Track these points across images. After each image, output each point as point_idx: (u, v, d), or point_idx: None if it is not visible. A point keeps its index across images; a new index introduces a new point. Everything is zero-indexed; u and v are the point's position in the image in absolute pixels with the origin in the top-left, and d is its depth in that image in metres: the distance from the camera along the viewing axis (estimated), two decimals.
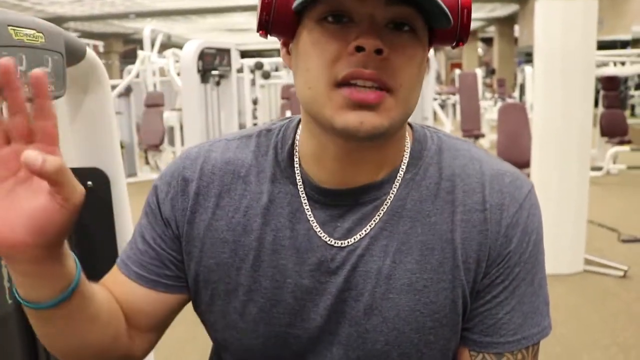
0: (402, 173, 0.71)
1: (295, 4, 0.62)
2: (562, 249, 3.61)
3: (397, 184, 0.70)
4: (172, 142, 7.69)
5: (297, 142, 0.73)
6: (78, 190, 0.55)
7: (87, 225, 1.09)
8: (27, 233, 0.54)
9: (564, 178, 3.58)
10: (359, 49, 0.60)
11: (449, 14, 0.60)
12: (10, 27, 0.75)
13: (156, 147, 7.33)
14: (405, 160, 0.71)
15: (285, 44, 0.69)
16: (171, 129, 7.53)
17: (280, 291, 0.70)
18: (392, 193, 0.70)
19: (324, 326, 0.70)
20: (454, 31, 0.64)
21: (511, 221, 0.69)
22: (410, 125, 0.75)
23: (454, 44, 0.67)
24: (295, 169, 0.72)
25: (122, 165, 1.14)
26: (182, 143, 6.91)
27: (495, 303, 0.69)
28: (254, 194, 0.72)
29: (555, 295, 3.45)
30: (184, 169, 0.74)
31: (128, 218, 1.14)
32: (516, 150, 4.39)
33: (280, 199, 0.71)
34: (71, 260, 0.62)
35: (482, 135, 8.53)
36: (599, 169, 6.82)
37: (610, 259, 3.76)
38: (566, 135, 3.53)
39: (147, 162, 7.84)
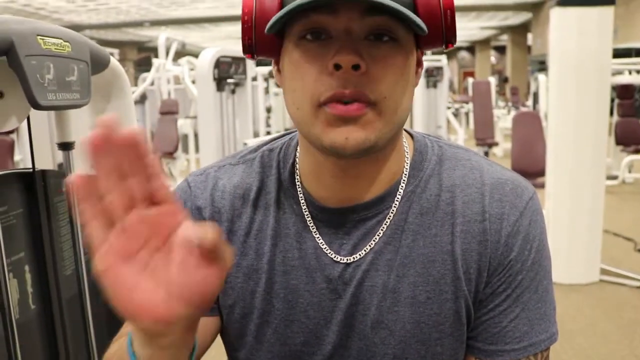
0: (403, 186, 0.70)
1: (267, 28, 0.61)
2: (577, 259, 3.58)
3: (399, 197, 0.70)
4: (186, 150, 7.73)
5: (297, 161, 0.73)
6: (228, 255, 0.48)
7: None
8: (182, 306, 0.46)
9: (579, 187, 3.55)
10: (337, 66, 0.59)
11: (420, 23, 0.59)
12: (39, 37, 0.77)
13: (170, 154, 7.37)
14: (406, 172, 0.71)
15: (277, 62, 0.69)
16: (185, 136, 7.57)
17: (294, 311, 0.71)
18: (394, 207, 0.70)
19: (335, 342, 0.71)
20: (439, 34, 0.63)
21: (512, 230, 0.68)
22: (411, 135, 0.75)
23: (443, 46, 0.65)
24: (297, 187, 0.72)
25: None
26: (197, 150, 6.94)
27: (498, 311, 0.69)
28: (262, 217, 0.72)
29: (571, 306, 3.40)
30: (195, 198, 0.74)
31: None
32: (530, 159, 4.37)
33: (285, 220, 0.72)
34: None
35: (496, 144, 8.49)
36: (614, 177, 6.77)
37: (626, 268, 3.71)
38: (581, 144, 3.51)
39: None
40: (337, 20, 0.60)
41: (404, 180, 0.70)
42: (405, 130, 0.75)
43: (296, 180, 0.72)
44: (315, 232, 0.71)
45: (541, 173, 3.93)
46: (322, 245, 0.70)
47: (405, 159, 0.72)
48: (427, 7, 0.62)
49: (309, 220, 0.71)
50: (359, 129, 0.61)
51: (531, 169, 4.15)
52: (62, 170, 0.98)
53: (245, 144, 3.80)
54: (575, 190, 3.56)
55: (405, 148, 0.72)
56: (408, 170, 0.71)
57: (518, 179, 0.72)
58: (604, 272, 3.66)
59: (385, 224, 0.69)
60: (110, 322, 1.11)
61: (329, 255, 0.70)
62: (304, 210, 0.71)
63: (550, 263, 0.72)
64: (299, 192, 0.72)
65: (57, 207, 0.98)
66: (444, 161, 0.72)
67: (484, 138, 7.96)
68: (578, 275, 3.57)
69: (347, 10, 0.59)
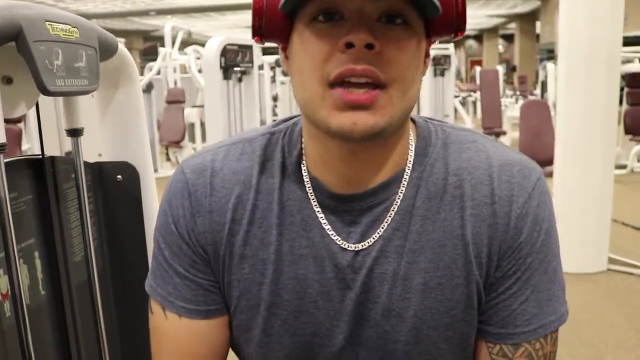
0: (408, 172, 0.69)
1: (281, 4, 0.61)
2: (585, 248, 3.57)
3: (405, 183, 0.69)
4: (192, 139, 7.74)
5: (304, 146, 0.71)
6: None
7: (117, 218, 1.10)
8: None
9: (588, 176, 3.53)
10: (349, 45, 0.58)
11: (436, 2, 0.58)
12: (47, 22, 0.77)
13: (177, 143, 7.39)
14: (411, 158, 0.70)
15: (284, 49, 0.68)
16: (192, 125, 7.58)
17: (303, 302, 0.70)
18: (400, 193, 0.69)
19: (346, 331, 0.70)
20: (450, 21, 0.63)
21: (521, 212, 0.68)
22: (413, 120, 0.74)
23: (452, 34, 0.65)
24: (303, 173, 0.70)
25: (150, 160, 1.15)
26: (203, 139, 6.95)
27: (508, 294, 0.69)
28: (266, 204, 0.70)
29: (578, 295, 3.39)
30: (192, 186, 0.71)
31: (156, 211, 1.16)
32: (539, 147, 4.34)
33: (290, 207, 0.70)
34: None
35: (504, 133, 8.44)
36: (623, 167, 6.72)
37: (634, 258, 3.70)
38: (590, 133, 3.48)
39: (168, 159, 7.90)
40: (351, 1, 0.59)
41: (409, 167, 0.70)
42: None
43: (302, 166, 0.71)
44: (322, 218, 0.69)
45: (549, 162, 3.91)
46: (330, 232, 0.69)
47: (410, 145, 0.71)
48: None
49: (316, 207, 0.69)
50: (368, 114, 0.60)
51: (539, 157, 4.11)
52: (71, 157, 0.98)
53: None
54: (583, 179, 3.54)
55: (409, 134, 0.71)
56: (413, 157, 0.70)
57: (525, 160, 0.71)
58: (612, 261, 3.65)
59: (393, 210, 0.68)
60: (119, 308, 1.11)
61: (338, 243, 0.69)
62: (310, 196, 0.70)
63: (558, 243, 0.71)
64: (305, 178, 0.70)
65: (67, 194, 0.98)
66: (449, 145, 0.71)
67: (492, 127, 7.92)
68: (586, 264, 3.56)
69: None
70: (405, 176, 0.69)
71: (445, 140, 0.72)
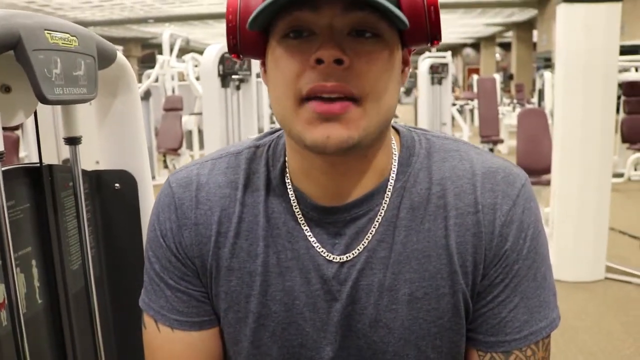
0: (392, 182, 0.69)
1: (247, 24, 0.61)
2: (583, 256, 3.57)
3: (389, 194, 0.69)
4: (190, 146, 7.74)
5: (287, 159, 0.72)
6: None
7: (115, 226, 1.10)
8: None
9: (585, 184, 3.54)
10: (319, 61, 0.59)
11: (401, 16, 0.58)
12: (46, 31, 0.77)
13: (174, 150, 7.38)
14: (394, 168, 0.70)
15: (263, 63, 0.68)
16: (189, 133, 7.58)
17: (290, 313, 0.70)
18: (384, 203, 0.69)
19: (334, 342, 0.70)
20: (424, 30, 0.62)
21: (505, 219, 0.67)
22: (397, 130, 0.74)
23: (428, 43, 0.64)
24: (287, 185, 0.71)
25: (148, 168, 1.15)
26: (201, 147, 6.95)
27: (497, 302, 0.68)
28: (252, 216, 0.71)
29: (576, 303, 3.39)
30: (178, 199, 0.72)
31: None
32: (536, 156, 4.35)
33: (275, 219, 0.70)
34: None
35: (501, 141, 8.46)
36: (620, 175, 6.74)
37: (632, 266, 3.70)
38: (587, 141, 3.50)
39: (166, 166, 7.89)
40: (319, 17, 0.60)
41: (393, 177, 0.70)
42: (392, 126, 0.74)
43: (286, 179, 0.71)
44: (307, 231, 0.69)
45: (547, 170, 3.91)
46: (315, 244, 0.69)
47: (393, 155, 0.71)
48: (411, 3, 0.61)
49: (301, 220, 0.70)
50: (341, 127, 0.60)
51: (537, 166, 4.14)
52: (69, 165, 0.98)
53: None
54: (581, 187, 3.55)
55: (392, 144, 0.71)
56: (396, 167, 0.70)
57: (509, 167, 0.71)
58: (609, 269, 3.65)
59: (377, 221, 0.68)
60: (116, 317, 1.11)
61: (323, 254, 0.69)
62: (294, 209, 0.70)
63: (546, 249, 0.71)
64: (289, 190, 0.71)
65: (64, 202, 0.98)
66: (432, 154, 0.71)
67: (489, 135, 7.94)
68: (583, 273, 3.56)
69: (329, 6, 0.59)
70: (389, 186, 0.69)
71: (429, 149, 0.72)
